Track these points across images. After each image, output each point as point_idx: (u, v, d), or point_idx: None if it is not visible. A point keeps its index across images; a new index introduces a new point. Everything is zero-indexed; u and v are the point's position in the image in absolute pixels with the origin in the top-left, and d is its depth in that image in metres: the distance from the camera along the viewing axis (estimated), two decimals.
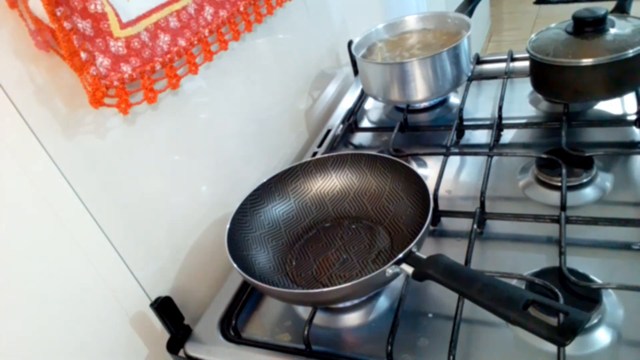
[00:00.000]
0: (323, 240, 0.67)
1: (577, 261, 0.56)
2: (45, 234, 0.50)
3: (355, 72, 1.09)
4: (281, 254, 0.66)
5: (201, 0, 0.64)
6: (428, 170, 0.79)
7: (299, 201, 0.71)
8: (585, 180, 0.66)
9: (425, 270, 0.48)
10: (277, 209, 0.70)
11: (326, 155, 0.73)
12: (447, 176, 0.75)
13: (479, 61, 1.00)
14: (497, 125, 0.79)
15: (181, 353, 0.61)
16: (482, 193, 0.65)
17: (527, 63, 0.81)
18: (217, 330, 0.61)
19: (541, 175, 0.68)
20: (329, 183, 0.72)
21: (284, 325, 0.61)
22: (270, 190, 0.70)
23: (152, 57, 0.57)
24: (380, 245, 0.64)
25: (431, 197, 0.59)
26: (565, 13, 0.77)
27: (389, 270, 0.50)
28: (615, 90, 0.72)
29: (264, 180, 0.69)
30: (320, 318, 0.60)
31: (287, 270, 0.64)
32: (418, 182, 0.63)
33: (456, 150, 0.80)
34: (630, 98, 0.79)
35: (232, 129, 0.78)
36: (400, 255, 0.50)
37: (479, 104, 0.91)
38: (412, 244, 0.51)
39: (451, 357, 0.48)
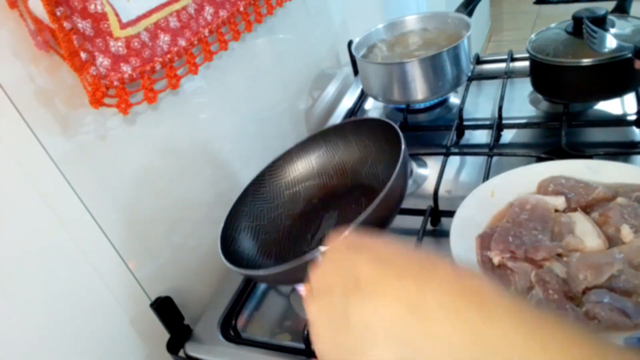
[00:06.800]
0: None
1: None
2: (45, 234, 0.50)
3: (355, 72, 1.09)
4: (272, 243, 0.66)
5: (201, 0, 0.65)
6: (428, 170, 0.79)
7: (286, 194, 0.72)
8: None
9: None
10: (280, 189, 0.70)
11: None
12: (447, 176, 0.75)
13: (479, 61, 1.00)
14: (497, 125, 0.79)
15: (181, 353, 0.61)
16: None
17: (527, 63, 0.80)
18: (217, 330, 0.61)
19: None
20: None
21: (284, 325, 0.61)
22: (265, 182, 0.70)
23: (152, 57, 0.57)
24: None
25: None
26: (565, 13, 0.77)
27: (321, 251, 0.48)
28: (615, 90, 0.72)
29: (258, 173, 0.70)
30: None
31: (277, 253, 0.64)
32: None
33: (456, 150, 0.80)
34: (630, 98, 0.79)
35: (231, 129, 0.78)
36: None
37: (479, 104, 0.91)
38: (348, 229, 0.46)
39: None
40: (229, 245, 0.60)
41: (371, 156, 0.67)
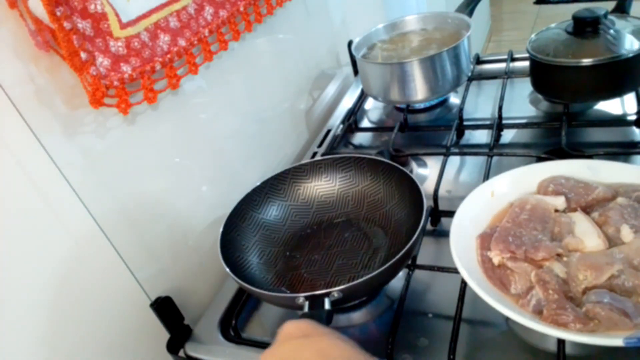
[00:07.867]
0: (321, 240, 0.68)
1: None
2: (45, 234, 0.50)
3: (355, 72, 1.09)
4: (272, 256, 0.67)
5: (201, 0, 0.65)
6: (428, 170, 0.79)
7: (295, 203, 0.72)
8: None
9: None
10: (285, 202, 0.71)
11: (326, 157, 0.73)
12: (447, 176, 0.75)
13: (479, 61, 1.00)
14: (497, 125, 0.79)
15: (181, 353, 0.61)
16: None
17: (527, 63, 0.81)
18: (217, 330, 0.61)
19: None
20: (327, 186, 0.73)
21: None
22: (271, 188, 0.71)
23: (152, 57, 0.57)
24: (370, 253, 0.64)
25: (425, 198, 0.59)
26: (565, 13, 0.77)
27: (301, 299, 0.51)
28: (615, 90, 0.72)
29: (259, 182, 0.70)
30: None
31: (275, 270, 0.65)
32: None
33: (456, 150, 0.80)
34: (630, 98, 0.79)
35: (232, 129, 0.78)
36: (317, 292, 0.50)
37: (479, 104, 0.91)
38: (334, 289, 0.50)
39: (451, 357, 0.48)
40: (230, 229, 0.62)
41: (390, 204, 0.68)
